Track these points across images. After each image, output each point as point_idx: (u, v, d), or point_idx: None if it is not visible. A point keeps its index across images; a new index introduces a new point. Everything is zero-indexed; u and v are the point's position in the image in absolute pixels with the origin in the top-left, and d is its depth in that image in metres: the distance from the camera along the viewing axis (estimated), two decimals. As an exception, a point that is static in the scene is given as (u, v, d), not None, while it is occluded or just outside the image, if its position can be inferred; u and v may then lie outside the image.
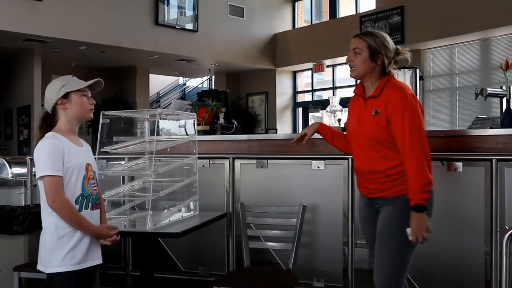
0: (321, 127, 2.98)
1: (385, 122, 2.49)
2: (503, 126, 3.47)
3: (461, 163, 3.09)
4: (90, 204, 2.40)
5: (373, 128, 2.53)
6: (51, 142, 2.32)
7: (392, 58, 2.61)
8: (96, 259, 2.43)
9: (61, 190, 2.29)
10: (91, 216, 2.41)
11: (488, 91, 3.83)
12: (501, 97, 3.80)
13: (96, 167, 2.52)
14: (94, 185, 2.45)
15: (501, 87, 3.88)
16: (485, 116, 4.30)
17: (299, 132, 3.36)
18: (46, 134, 2.37)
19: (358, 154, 2.66)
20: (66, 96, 2.39)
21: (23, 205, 4.02)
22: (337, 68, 12.36)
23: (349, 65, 2.64)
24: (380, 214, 2.59)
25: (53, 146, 2.31)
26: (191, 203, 3.48)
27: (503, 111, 3.63)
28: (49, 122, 2.42)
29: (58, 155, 2.30)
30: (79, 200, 2.36)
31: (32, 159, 3.94)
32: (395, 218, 2.51)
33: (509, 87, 3.66)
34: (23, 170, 4.32)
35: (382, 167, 2.53)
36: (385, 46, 2.58)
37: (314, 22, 13.16)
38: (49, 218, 2.33)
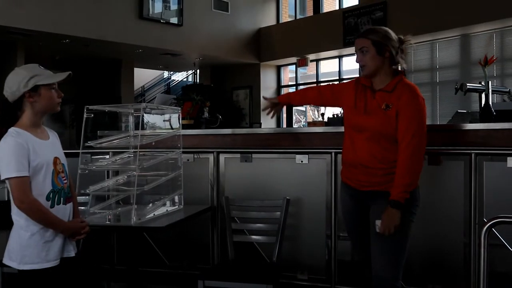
0: (282, 100, 3.19)
1: (395, 118, 2.54)
2: (482, 120, 3.53)
3: (441, 157, 3.15)
4: (62, 198, 2.33)
5: (382, 120, 2.57)
6: (14, 140, 2.20)
7: (398, 48, 2.66)
8: (70, 251, 2.38)
9: (28, 190, 2.21)
10: (65, 210, 2.36)
11: (468, 86, 3.89)
12: (480, 92, 3.86)
13: (64, 159, 2.42)
14: (64, 178, 2.37)
15: (480, 82, 3.93)
16: (465, 111, 4.36)
17: (283, 127, 3.44)
18: (8, 130, 2.24)
19: (356, 144, 2.66)
20: (34, 89, 2.25)
21: (6, 199, 3.99)
22: (321, 63, 12.41)
23: (360, 65, 2.67)
24: (374, 207, 2.62)
25: (17, 145, 2.19)
26: (176, 197, 3.49)
27: (482, 105, 3.69)
28: (12, 114, 2.28)
29: (23, 155, 2.19)
30: (51, 196, 2.29)
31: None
32: None
33: (488, 82, 3.74)
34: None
35: (382, 158, 2.57)
36: (389, 38, 2.64)
37: (298, 17, 13.18)
38: (19, 215, 2.26)
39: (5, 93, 2.29)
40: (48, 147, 2.34)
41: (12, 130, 2.24)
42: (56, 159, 2.33)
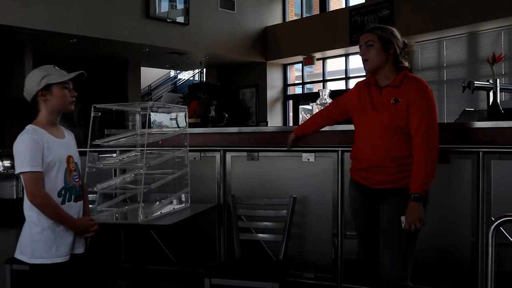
0: (297, 133, 3.20)
1: (405, 111, 2.54)
2: (490, 118, 3.51)
3: (449, 155, 3.14)
4: (73, 196, 2.39)
5: (393, 115, 2.57)
6: (30, 137, 2.28)
7: (402, 49, 2.67)
8: (79, 248, 2.44)
9: (41, 185, 2.28)
10: (75, 208, 2.41)
11: (475, 84, 3.87)
12: (488, 90, 3.83)
13: (78, 159, 2.49)
14: (77, 177, 2.43)
15: (488, 80, 3.91)
16: (472, 109, 4.33)
17: (290, 125, 3.45)
18: (26, 127, 2.32)
19: (368, 141, 2.66)
20: (47, 87, 2.34)
21: (14, 197, 4.02)
22: (327, 61, 12.39)
23: (363, 59, 2.67)
24: (385, 205, 2.62)
25: (32, 141, 2.27)
26: (183, 195, 3.50)
27: (490, 104, 3.67)
28: (30, 113, 2.37)
29: (37, 151, 2.27)
30: (62, 193, 2.35)
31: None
32: (403, 210, 2.55)
33: (496, 80, 3.71)
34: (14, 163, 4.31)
35: (395, 154, 2.56)
36: (395, 36, 2.65)
37: (304, 15, 13.16)
38: (31, 210, 2.32)
39: (24, 93, 2.40)
40: (63, 145, 2.41)
41: (29, 127, 2.33)
42: (69, 158, 2.40)
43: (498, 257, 2.20)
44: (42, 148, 2.28)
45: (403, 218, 2.51)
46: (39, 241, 2.31)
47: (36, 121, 2.37)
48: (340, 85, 12.12)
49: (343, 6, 11.79)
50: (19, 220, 3.64)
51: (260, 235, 3.46)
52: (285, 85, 13.31)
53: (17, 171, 2.29)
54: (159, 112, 3.57)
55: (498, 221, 2.11)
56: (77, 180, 2.44)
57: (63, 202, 2.35)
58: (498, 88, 3.73)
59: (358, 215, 2.82)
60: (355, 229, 2.91)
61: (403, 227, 2.51)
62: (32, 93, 2.35)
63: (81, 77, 2.45)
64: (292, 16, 13.37)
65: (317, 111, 4.55)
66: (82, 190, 2.48)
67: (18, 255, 2.37)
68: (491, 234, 2.11)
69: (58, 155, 2.34)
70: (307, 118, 3.60)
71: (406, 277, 2.59)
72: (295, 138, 3.22)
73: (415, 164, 2.51)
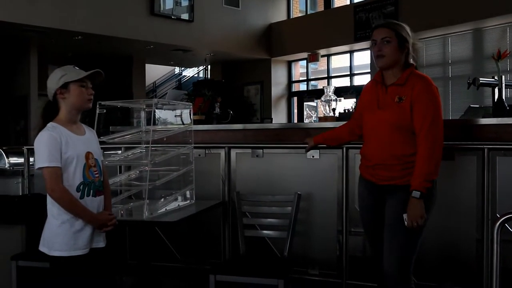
0: (317, 141, 3.21)
1: (409, 109, 2.54)
2: (495, 115, 3.50)
3: (453, 152, 3.14)
4: (92, 191, 2.46)
5: (397, 113, 2.57)
6: (49, 134, 2.37)
7: (412, 46, 2.67)
8: (100, 242, 2.51)
9: (59, 180, 2.36)
10: (94, 202, 2.47)
11: (481, 81, 3.86)
12: (493, 86, 3.82)
13: (99, 155, 2.57)
14: (96, 172, 2.50)
15: (493, 77, 3.90)
16: (478, 106, 4.33)
17: (294, 122, 3.45)
18: (47, 125, 2.42)
19: (374, 140, 2.67)
20: (65, 86, 2.43)
21: (20, 194, 4.04)
22: (332, 58, 12.37)
23: (377, 55, 2.64)
24: (390, 201, 2.63)
25: (50, 137, 2.36)
26: (188, 192, 3.51)
27: (495, 100, 3.66)
28: (52, 111, 2.47)
29: (55, 147, 2.35)
30: (81, 187, 2.42)
31: (29, 149, 3.99)
32: (406, 206, 2.55)
33: (501, 76, 3.70)
34: (20, 160, 4.34)
35: (400, 153, 2.56)
36: (408, 34, 2.65)
37: (309, 12, 13.14)
38: (52, 204, 2.41)
39: (47, 92, 2.50)
40: (82, 141, 2.49)
41: (49, 124, 2.43)
42: (88, 154, 2.48)
43: (503, 254, 2.20)
44: (60, 145, 2.37)
45: (405, 216, 2.51)
46: (58, 234, 2.39)
47: (57, 119, 2.46)
48: (344, 82, 12.11)
49: (348, 2, 11.77)
50: (25, 217, 3.68)
51: (265, 231, 3.47)
52: (290, 82, 13.30)
53: (36, 166, 2.39)
54: (164, 109, 3.58)
55: (503, 218, 2.11)
56: (97, 175, 2.50)
57: (81, 197, 2.42)
58: (504, 85, 3.72)
59: (365, 212, 2.82)
60: (362, 226, 2.90)
61: (405, 224, 2.51)
62: (52, 91, 2.45)
63: (99, 76, 2.54)
64: (296, 13, 13.35)
65: (322, 107, 4.56)
66: (102, 185, 2.55)
67: (41, 247, 2.45)
68: (496, 231, 2.11)
69: (76, 151, 2.42)
70: (311, 114, 3.61)
71: (409, 273, 2.59)
72: (313, 145, 3.26)
73: (418, 161, 2.51)
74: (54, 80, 2.44)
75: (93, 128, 2.72)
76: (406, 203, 2.53)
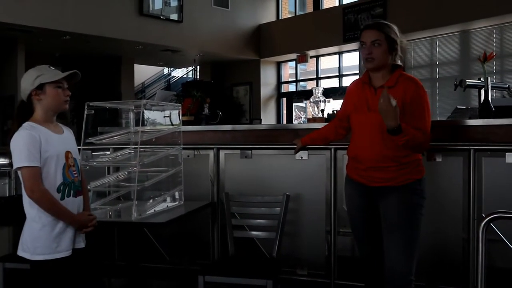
0: (305, 142, 3.22)
1: (401, 111, 2.51)
2: (481, 116, 3.53)
3: (440, 153, 3.17)
4: (72, 191, 2.40)
5: None
6: (27, 132, 2.29)
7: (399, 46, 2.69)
8: (80, 242, 2.45)
9: (39, 180, 2.29)
10: (74, 203, 2.42)
11: (467, 82, 3.90)
12: (479, 88, 3.86)
13: (77, 154, 2.50)
14: (75, 172, 2.44)
15: (479, 79, 3.94)
16: (464, 107, 4.37)
17: (283, 123, 3.46)
18: (23, 125, 2.34)
19: (365, 142, 2.66)
20: (40, 87, 2.35)
21: (7, 195, 4.01)
22: (321, 59, 12.41)
23: (367, 58, 2.63)
24: (386, 202, 2.62)
25: (29, 136, 2.28)
26: (176, 193, 3.51)
27: (482, 102, 3.70)
28: (26, 111, 2.38)
29: (35, 146, 2.28)
30: (61, 188, 2.36)
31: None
32: (406, 205, 2.58)
33: (487, 78, 3.74)
34: (6, 160, 4.30)
35: (393, 154, 2.57)
36: (397, 35, 2.66)
37: (298, 13, 13.17)
38: (31, 207, 2.33)
39: (20, 92, 2.43)
40: (61, 140, 2.42)
41: (26, 124, 2.35)
42: (68, 153, 2.41)
43: (489, 253, 2.23)
44: (39, 143, 2.29)
45: (394, 102, 2.40)
46: (39, 238, 2.32)
47: (33, 118, 2.38)
48: (333, 83, 12.16)
49: (337, 4, 11.81)
50: (12, 218, 3.65)
51: (254, 232, 3.47)
52: (279, 82, 13.33)
53: (15, 166, 2.30)
54: (153, 110, 3.58)
55: (489, 218, 2.13)
56: (76, 175, 2.44)
57: (62, 198, 2.36)
58: (490, 86, 3.76)
59: (355, 211, 2.81)
60: (352, 226, 2.89)
61: (394, 105, 2.41)
62: (27, 92, 2.37)
63: (75, 77, 2.46)
64: (285, 14, 13.38)
65: (310, 108, 4.57)
66: (81, 185, 2.49)
67: (20, 252, 2.38)
68: (481, 230, 2.13)
69: (56, 150, 2.35)
70: (300, 115, 3.63)
71: (412, 271, 2.59)
72: (302, 147, 3.26)
73: (417, 132, 2.51)
74: (29, 80, 2.35)
75: (82, 129, 2.70)
76: (406, 201, 2.57)
